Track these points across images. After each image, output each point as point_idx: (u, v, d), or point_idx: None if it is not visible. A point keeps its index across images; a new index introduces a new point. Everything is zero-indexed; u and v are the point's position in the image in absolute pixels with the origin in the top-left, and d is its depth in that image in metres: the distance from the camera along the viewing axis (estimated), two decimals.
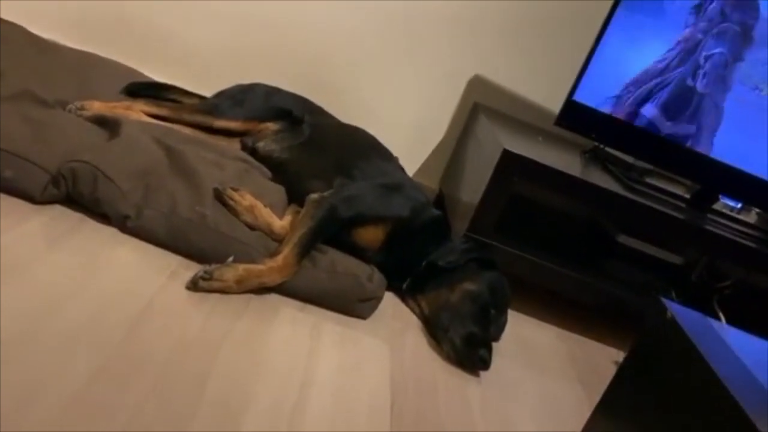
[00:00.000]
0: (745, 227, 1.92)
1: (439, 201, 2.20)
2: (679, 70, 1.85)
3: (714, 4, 1.79)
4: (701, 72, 1.84)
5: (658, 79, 1.88)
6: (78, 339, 1.09)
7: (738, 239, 1.82)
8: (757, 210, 2.09)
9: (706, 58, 1.83)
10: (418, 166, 2.35)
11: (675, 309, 0.87)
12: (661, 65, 1.88)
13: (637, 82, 1.90)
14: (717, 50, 1.83)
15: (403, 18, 2.19)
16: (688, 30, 1.83)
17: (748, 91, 1.87)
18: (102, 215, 1.44)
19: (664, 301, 0.89)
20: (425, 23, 2.19)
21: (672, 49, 1.85)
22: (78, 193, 1.42)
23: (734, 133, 1.89)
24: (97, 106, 1.71)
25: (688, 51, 1.83)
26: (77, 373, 1.02)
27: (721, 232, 1.82)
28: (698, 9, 1.81)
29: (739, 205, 2.07)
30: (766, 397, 0.76)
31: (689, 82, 1.85)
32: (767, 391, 0.77)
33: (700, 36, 1.81)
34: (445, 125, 2.32)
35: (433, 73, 2.26)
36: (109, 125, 1.64)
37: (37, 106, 1.61)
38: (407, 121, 2.30)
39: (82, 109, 1.68)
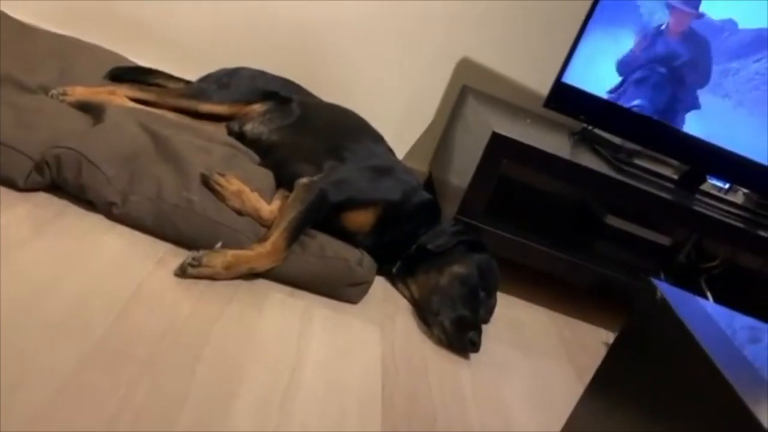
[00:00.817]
0: (733, 207, 1.93)
1: (429, 184, 2.20)
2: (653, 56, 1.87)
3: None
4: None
5: (641, 61, 1.89)
6: (65, 326, 1.08)
7: (725, 219, 1.83)
8: (744, 190, 2.10)
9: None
10: (407, 149, 2.34)
11: (665, 289, 0.87)
12: (639, 50, 1.89)
13: (624, 63, 1.90)
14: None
15: (392, 0, 2.16)
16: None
17: (719, 98, 1.89)
18: (87, 202, 1.42)
19: (654, 281, 0.89)
20: (413, 6, 2.17)
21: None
22: (63, 180, 1.40)
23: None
24: (80, 92, 1.68)
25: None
26: (65, 361, 1.01)
27: (709, 213, 1.83)
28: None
29: (727, 186, 2.08)
30: (756, 375, 0.76)
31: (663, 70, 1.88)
32: (757, 369, 0.78)
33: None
34: (434, 108, 2.31)
35: (422, 56, 2.24)
36: (92, 111, 1.62)
37: (19, 92, 1.59)
38: (396, 104, 2.29)
39: (64, 94, 1.66)
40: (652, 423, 0.85)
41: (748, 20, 1.84)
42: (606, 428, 0.96)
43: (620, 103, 1.92)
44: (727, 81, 1.87)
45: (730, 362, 0.73)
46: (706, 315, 0.87)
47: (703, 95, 1.89)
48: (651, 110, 1.92)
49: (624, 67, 1.90)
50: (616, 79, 1.91)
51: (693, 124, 1.92)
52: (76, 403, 0.95)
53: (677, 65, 1.89)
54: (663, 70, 1.89)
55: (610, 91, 1.92)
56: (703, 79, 1.89)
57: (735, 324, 0.94)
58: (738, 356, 0.79)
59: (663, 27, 1.85)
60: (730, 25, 1.85)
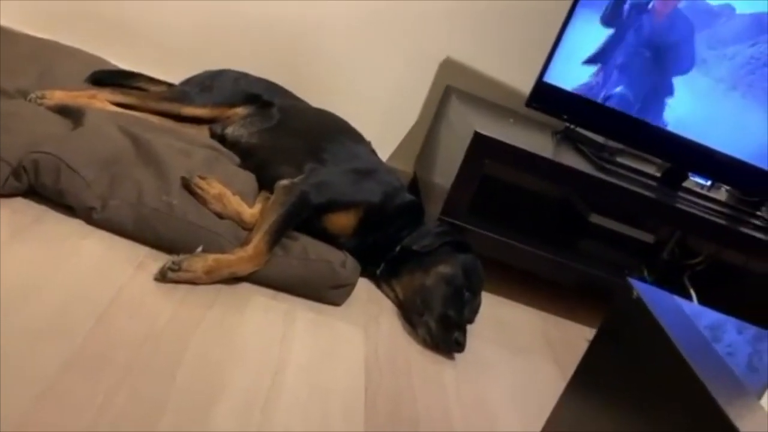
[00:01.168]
0: (715, 204, 1.95)
1: (414, 185, 2.20)
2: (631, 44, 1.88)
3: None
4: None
5: (620, 59, 1.90)
6: (45, 332, 1.07)
7: (708, 216, 1.84)
8: (726, 187, 2.11)
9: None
10: (391, 150, 2.34)
11: (641, 288, 0.88)
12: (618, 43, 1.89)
13: (604, 61, 1.90)
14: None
15: (374, 1, 2.16)
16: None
17: (713, 83, 1.89)
18: (66, 207, 1.41)
19: (631, 280, 0.90)
20: (397, 7, 2.17)
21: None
22: (41, 185, 1.39)
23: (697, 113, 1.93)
24: (59, 96, 1.67)
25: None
26: (45, 366, 1.00)
27: (692, 210, 1.84)
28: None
29: (709, 183, 2.09)
30: (729, 374, 0.77)
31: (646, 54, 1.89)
32: (730, 368, 0.78)
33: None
34: (417, 109, 2.31)
35: (405, 57, 2.24)
36: (72, 115, 1.60)
37: None
38: (380, 105, 2.29)
39: (43, 98, 1.64)
40: (630, 420, 0.85)
41: (746, 5, 1.85)
42: (586, 425, 0.96)
43: (602, 101, 1.92)
44: (722, 65, 1.88)
45: (702, 360, 0.73)
46: (682, 313, 0.88)
47: (697, 79, 1.89)
48: (633, 100, 1.92)
49: (604, 64, 1.90)
50: (597, 77, 1.91)
51: (679, 115, 1.92)
52: (56, 408, 0.94)
53: (661, 53, 1.89)
54: (646, 56, 1.90)
55: (592, 90, 1.91)
56: (687, 65, 1.89)
57: (712, 322, 0.94)
58: (711, 354, 0.79)
59: (647, 9, 1.86)
60: (728, 10, 1.86)
